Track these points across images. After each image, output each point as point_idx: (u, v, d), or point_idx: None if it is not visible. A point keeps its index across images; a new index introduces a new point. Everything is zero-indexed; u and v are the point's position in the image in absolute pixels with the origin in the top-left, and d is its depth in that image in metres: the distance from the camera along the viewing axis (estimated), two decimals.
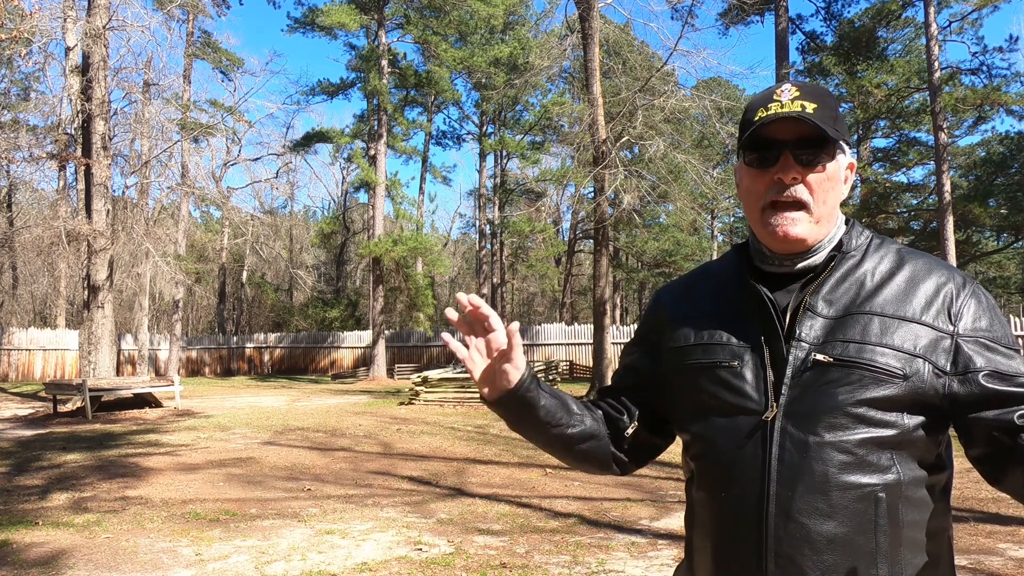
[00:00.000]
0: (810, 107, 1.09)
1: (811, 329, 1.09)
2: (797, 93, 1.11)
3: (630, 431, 1.27)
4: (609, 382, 1.37)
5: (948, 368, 1.05)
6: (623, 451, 1.28)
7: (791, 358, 1.08)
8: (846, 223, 1.19)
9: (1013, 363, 1.05)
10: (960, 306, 1.08)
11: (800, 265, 1.13)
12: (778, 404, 1.07)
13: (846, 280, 1.11)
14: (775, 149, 1.11)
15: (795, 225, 1.10)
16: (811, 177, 1.10)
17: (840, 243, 1.14)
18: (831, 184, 1.12)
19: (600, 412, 1.28)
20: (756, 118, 1.12)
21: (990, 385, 1.03)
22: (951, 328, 1.06)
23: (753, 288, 1.14)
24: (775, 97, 1.12)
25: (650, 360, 1.28)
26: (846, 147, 1.15)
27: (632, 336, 1.36)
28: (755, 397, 1.09)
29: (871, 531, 1.02)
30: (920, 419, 1.05)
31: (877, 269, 1.12)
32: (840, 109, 1.14)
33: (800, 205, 1.10)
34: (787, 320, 1.11)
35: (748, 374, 1.11)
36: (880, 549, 1.02)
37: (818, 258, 1.13)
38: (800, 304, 1.11)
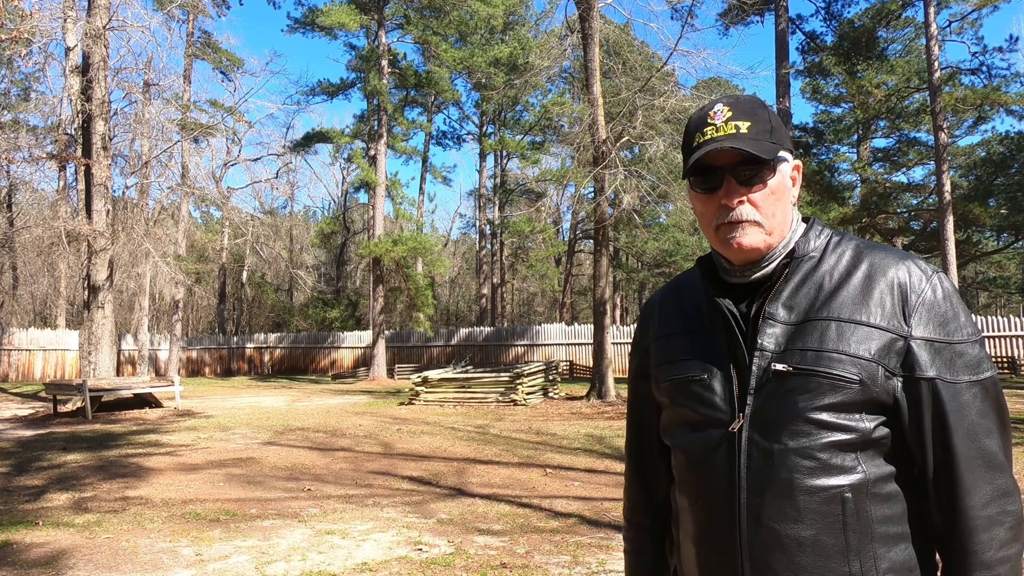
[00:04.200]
0: (744, 126, 1.12)
1: (772, 337, 1.11)
2: (730, 114, 1.14)
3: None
4: (634, 425, 1.38)
5: (897, 369, 1.07)
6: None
7: (754, 368, 1.11)
8: (806, 221, 1.21)
9: (956, 367, 1.07)
10: (915, 304, 1.09)
11: (754, 276, 1.16)
12: (744, 414, 1.10)
13: (805, 284, 1.13)
14: (718, 171, 1.14)
15: (748, 236, 1.13)
16: (755, 196, 1.13)
17: (793, 249, 1.16)
18: (776, 196, 1.14)
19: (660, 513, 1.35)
20: (694, 143, 1.15)
21: (930, 391, 1.06)
22: (905, 329, 1.08)
23: (715, 301, 1.17)
24: (709, 120, 1.14)
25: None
26: (788, 154, 1.17)
27: (631, 359, 1.38)
28: (723, 408, 1.13)
29: (839, 530, 1.05)
30: (879, 419, 1.08)
31: (835, 268, 1.14)
32: (772, 119, 1.15)
33: (750, 222, 1.13)
34: (749, 330, 1.14)
35: (717, 386, 1.14)
36: (850, 546, 1.05)
37: (771, 267, 1.16)
38: (759, 313, 1.13)
